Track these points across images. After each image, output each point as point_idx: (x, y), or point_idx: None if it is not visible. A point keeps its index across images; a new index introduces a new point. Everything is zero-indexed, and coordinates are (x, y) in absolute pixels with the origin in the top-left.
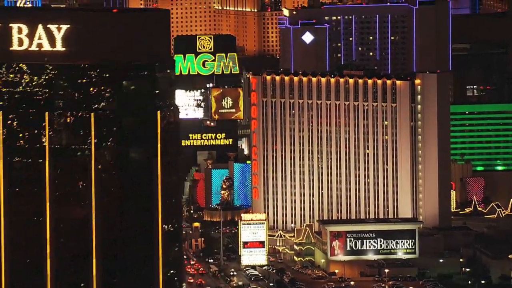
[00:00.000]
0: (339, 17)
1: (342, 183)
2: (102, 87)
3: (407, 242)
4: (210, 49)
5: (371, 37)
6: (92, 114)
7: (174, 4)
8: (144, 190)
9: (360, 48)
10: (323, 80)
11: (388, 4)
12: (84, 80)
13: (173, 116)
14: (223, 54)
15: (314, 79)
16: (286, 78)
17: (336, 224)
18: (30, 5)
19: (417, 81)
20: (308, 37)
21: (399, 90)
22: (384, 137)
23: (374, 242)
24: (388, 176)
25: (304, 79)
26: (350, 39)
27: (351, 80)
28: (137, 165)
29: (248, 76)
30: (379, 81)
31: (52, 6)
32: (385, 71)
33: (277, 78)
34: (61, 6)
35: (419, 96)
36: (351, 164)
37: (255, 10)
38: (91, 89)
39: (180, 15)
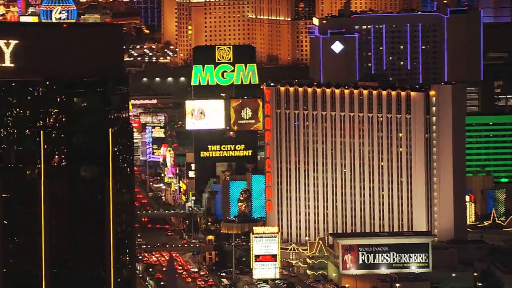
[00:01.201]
0: (369, 26)
1: (356, 196)
2: (52, 104)
3: (420, 256)
4: (230, 59)
5: (401, 47)
6: (42, 131)
7: (207, 13)
8: (96, 210)
9: (390, 58)
10: (337, 91)
11: (419, 13)
12: (33, 97)
13: (126, 134)
14: (243, 65)
15: (328, 90)
16: (300, 89)
17: (348, 237)
18: (66, 14)
19: (432, 93)
20: (337, 47)
21: (414, 101)
22: (399, 149)
23: (387, 255)
24: (402, 188)
25: (318, 90)
26: (381, 48)
27: (365, 92)
28: (88, 185)
29: (262, 87)
30: (393, 93)
31: (1, 21)
32: (416, 81)
33: (291, 89)
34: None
35: (433, 108)
36: (365, 177)
37: (289, 19)
38: (41, 106)
39: (214, 24)
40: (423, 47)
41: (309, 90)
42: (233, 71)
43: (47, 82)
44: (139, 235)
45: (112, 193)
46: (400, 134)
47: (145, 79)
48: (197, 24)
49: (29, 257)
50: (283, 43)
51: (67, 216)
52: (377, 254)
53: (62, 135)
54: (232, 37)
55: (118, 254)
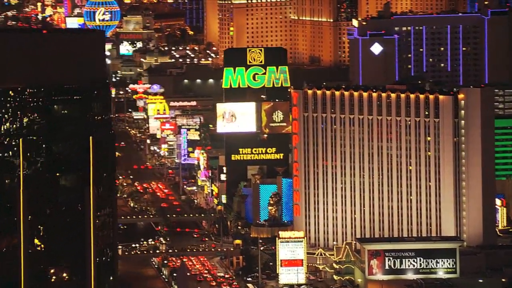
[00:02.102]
0: (409, 28)
1: (384, 200)
2: (32, 111)
3: (447, 261)
4: (261, 62)
5: (442, 48)
6: (21, 139)
7: (249, 15)
8: (76, 220)
9: (430, 60)
10: (365, 94)
11: (460, 14)
12: (12, 104)
13: (108, 141)
14: (274, 67)
15: (356, 94)
16: (328, 92)
17: (374, 242)
18: (109, 16)
19: (461, 96)
20: (376, 48)
21: (442, 105)
22: (427, 153)
23: (414, 261)
24: (431, 193)
25: (346, 93)
26: (421, 50)
27: (393, 95)
28: (68, 193)
29: (290, 90)
30: (421, 96)
31: None
32: (457, 83)
33: (319, 92)
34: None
35: (462, 111)
36: (394, 181)
37: (331, 20)
38: (20, 113)
39: (255, 26)
40: (464, 48)
41: (337, 93)
42: (264, 73)
43: (27, 89)
44: (168, 239)
45: (93, 202)
46: (429, 138)
47: (186, 80)
48: (238, 25)
49: (9, 266)
50: (325, 45)
51: (46, 226)
52: (403, 259)
53: (42, 143)
54: (273, 38)
55: (99, 264)
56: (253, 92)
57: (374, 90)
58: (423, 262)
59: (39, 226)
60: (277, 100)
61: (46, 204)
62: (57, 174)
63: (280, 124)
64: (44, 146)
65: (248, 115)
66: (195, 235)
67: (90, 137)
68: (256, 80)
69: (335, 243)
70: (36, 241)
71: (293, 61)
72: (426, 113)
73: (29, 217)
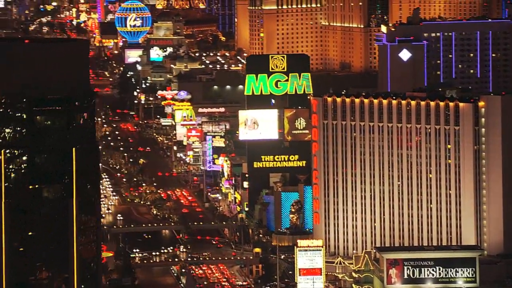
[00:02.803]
0: (438, 34)
1: (404, 208)
2: (14, 122)
3: (467, 270)
4: (283, 68)
5: (471, 54)
6: (3, 151)
7: (279, 21)
8: (59, 232)
9: (460, 66)
10: (385, 102)
11: (489, 20)
12: None
13: (91, 153)
14: (297, 74)
15: (375, 101)
16: (347, 100)
17: (393, 251)
18: (140, 22)
19: (481, 103)
20: (405, 54)
21: (462, 112)
22: (447, 161)
23: (433, 270)
24: (451, 201)
25: (366, 101)
26: (450, 56)
27: (413, 102)
28: (51, 205)
29: (309, 98)
30: (441, 103)
31: None
32: (486, 89)
33: (338, 100)
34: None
35: (483, 119)
36: (414, 189)
37: (362, 26)
38: (2, 124)
39: (286, 32)
40: (494, 54)
41: (357, 100)
42: (287, 80)
43: (9, 99)
44: (189, 247)
45: (76, 214)
46: (449, 146)
47: (215, 87)
48: (269, 31)
49: None
50: (355, 51)
51: (29, 238)
52: (422, 269)
53: (25, 154)
54: (304, 44)
55: (83, 277)
56: (275, 99)
57: (394, 97)
58: (442, 271)
59: (21, 238)
60: (299, 107)
61: (29, 216)
62: (40, 185)
63: (302, 131)
64: (26, 157)
65: (271, 122)
66: (213, 242)
67: (73, 149)
68: (278, 87)
69: (355, 251)
70: (18, 253)
71: (323, 67)
72: (446, 120)
73: (11, 229)
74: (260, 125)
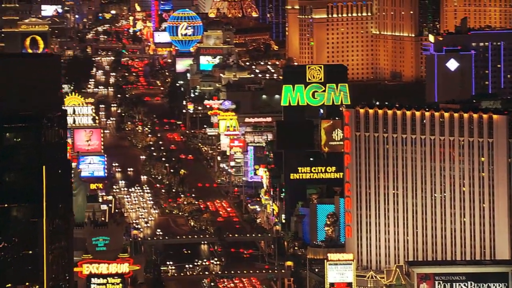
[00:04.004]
0: (486, 43)
1: (437, 222)
2: None
3: (499, 285)
4: (320, 79)
5: None
6: None
7: (329, 29)
8: (29, 254)
9: (508, 76)
10: (418, 114)
11: None
12: None
13: (63, 171)
14: (334, 85)
15: (408, 113)
16: (380, 111)
17: (424, 265)
18: (191, 30)
19: None
20: (452, 64)
21: (496, 124)
22: (481, 174)
23: (464, 285)
24: (484, 214)
25: (398, 112)
26: (498, 66)
27: (446, 114)
28: (20, 225)
29: (341, 109)
30: (475, 115)
31: None
32: None
33: (371, 111)
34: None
35: None
36: (447, 202)
37: (413, 35)
38: None
39: (336, 41)
40: None
41: (389, 112)
42: (324, 91)
43: None
44: (222, 259)
45: (47, 235)
46: (483, 159)
47: (264, 96)
48: (319, 40)
49: None
50: (406, 60)
51: None
52: (454, 283)
53: None
54: (354, 53)
55: None
56: (312, 110)
57: (427, 109)
58: (474, 286)
59: None
60: (336, 118)
61: None
62: (9, 205)
63: (339, 142)
64: None
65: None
66: (245, 255)
67: (44, 167)
68: (315, 98)
69: (387, 265)
70: None
71: (374, 76)
72: (480, 133)
73: None
74: (295, 136)
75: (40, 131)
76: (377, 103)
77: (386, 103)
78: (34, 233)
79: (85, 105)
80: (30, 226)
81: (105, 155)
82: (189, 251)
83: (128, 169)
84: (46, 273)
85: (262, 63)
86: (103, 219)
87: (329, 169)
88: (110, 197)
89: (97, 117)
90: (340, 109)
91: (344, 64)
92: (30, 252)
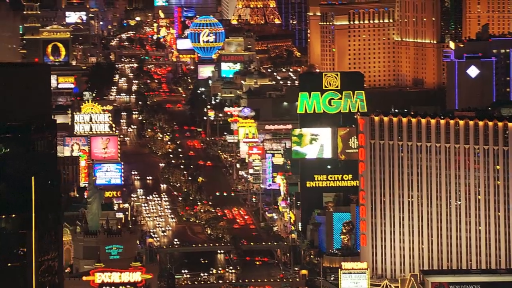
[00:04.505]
0: (507, 50)
1: (452, 230)
2: None
3: None
4: (337, 86)
5: None
6: None
7: (351, 36)
8: (17, 266)
9: None
10: (433, 121)
11: None
12: None
13: (52, 182)
14: (350, 92)
15: (423, 120)
16: (395, 119)
17: (438, 274)
18: (213, 37)
19: None
20: (473, 71)
21: (511, 132)
22: (496, 182)
23: None
24: (500, 223)
25: (413, 120)
26: None
27: (461, 122)
28: (9, 237)
29: (356, 116)
30: (490, 123)
31: None
32: None
33: (385, 119)
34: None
35: None
36: (462, 210)
37: (435, 42)
38: None
39: (358, 48)
40: None
41: (404, 120)
42: (340, 98)
43: None
44: (238, 267)
45: (36, 246)
46: (498, 167)
47: (285, 103)
48: (340, 47)
49: None
50: (428, 67)
51: None
52: None
53: None
54: (376, 60)
55: None
56: (328, 117)
57: (442, 117)
58: None
59: None
60: (353, 125)
61: None
62: None
63: (356, 150)
64: None
65: (324, 141)
66: (258, 263)
67: (33, 177)
68: (332, 105)
69: (402, 274)
70: None
71: (396, 83)
72: (495, 141)
73: None
74: (312, 143)
75: (29, 141)
76: (396, 110)
77: (405, 110)
78: (23, 246)
79: (102, 113)
80: (19, 238)
81: (122, 163)
82: (206, 260)
83: (147, 178)
84: (35, 286)
85: (283, 70)
86: (119, 227)
87: (345, 177)
88: (126, 205)
89: (113, 125)
90: (355, 116)
91: (366, 71)
92: (19, 264)
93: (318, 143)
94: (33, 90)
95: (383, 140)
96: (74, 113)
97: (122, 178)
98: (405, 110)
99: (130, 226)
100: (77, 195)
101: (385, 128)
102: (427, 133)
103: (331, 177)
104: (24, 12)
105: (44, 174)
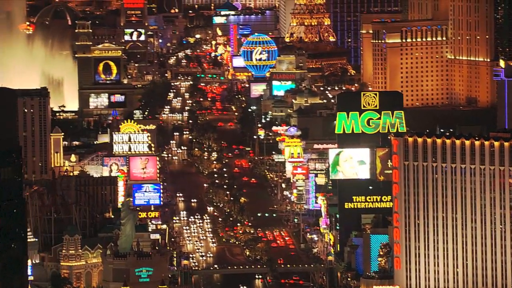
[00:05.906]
0: None
1: (487, 253)
2: None
3: None
4: (376, 106)
5: None
6: None
7: (403, 54)
8: None
9: None
10: (467, 142)
11: None
12: None
13: (17, 209)
14: (389, 112)
15: (457, 142)
16: (429, 140)
17: None
18: (266, 55)
19: None
20: None
21: None
22: None
23: None
24: None
25: (448, 141)
26: None
27: (496, 143)
28: None
29: (390, 137)
30: None
31: None
32: None
33: (419, 140)
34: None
35: None
36: (497, 233)
37: (488, 60)
38: None
39: (410, 66)
40: None
41: (438, 141)
42: (379, 118)
43: None
44: None
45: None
46: None
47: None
48: (392, 65)
49: None
50: (482, 85)
51: None
52: None
53: None
54: (429, 78)
55: None
56: (367, 137)
57: (477, 138)
58: None
59: None
60: None
61: None
62: None
63: None
64: None
65: (363, 161)
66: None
67: None
68: (370, 125)
69: None
70: None
71: (449, 101)
72: None
73: None
74: (351, 164)
75: None
76: (441, 130)
77: (451, 130)
78: None
79: (141, 132)
80: None
81: (161, 183)
82: (243, 286)
83: (192, 200)
84: None
85: (336, 88)
86: (157, 248)
87: (384, 198)
88: (164, 226)
89: (152, 144)
90: (388, 137)
91: (418, 89)
92: None
93: (356, 163)
94: None
95: (417, 162)
96: (113, 133)
97: (161, 199)
98: (447, 130)
99: (160, 248)
100: (112, 216)
101: (419, 150)
102: (462, 155)
103: (369, 199)
104: (76, 31)
105: (9, 202)
